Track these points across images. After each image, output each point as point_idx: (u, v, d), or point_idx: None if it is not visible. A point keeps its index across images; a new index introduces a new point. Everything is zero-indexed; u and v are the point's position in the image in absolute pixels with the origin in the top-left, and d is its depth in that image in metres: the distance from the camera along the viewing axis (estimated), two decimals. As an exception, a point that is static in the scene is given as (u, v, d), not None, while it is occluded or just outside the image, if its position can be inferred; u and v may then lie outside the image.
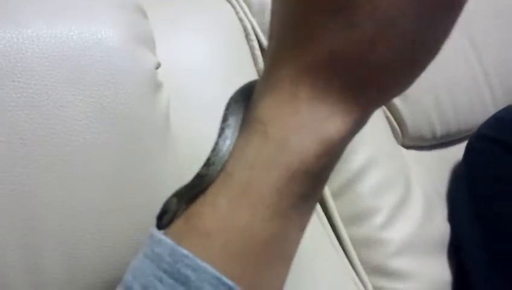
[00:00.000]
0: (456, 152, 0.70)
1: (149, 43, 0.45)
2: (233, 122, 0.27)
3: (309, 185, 0.25)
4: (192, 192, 0.27)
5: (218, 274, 0.23)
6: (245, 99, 0.28)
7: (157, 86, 0.44)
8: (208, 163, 0.27)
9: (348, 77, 0.23)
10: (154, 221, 0.43)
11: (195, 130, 0.49)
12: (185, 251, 0.24)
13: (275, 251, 0.26)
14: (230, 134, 0.27)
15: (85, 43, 0.40)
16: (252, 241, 0.24)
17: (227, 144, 0.27)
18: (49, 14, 0.40)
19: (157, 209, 0.43)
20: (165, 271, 0.24)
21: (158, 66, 0.45)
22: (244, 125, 0.27)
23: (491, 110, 0.74)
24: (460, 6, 0.23)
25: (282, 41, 0.25)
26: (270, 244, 0.25)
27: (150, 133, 0.43)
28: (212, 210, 0.25)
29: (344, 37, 0.22)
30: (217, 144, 0.27)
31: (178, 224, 0.26)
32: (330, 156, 0.25)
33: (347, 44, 0.22)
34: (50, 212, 0.39)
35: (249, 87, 0.29)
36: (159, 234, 0.26)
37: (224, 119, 0.28)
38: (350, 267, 0.58)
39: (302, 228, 0.27)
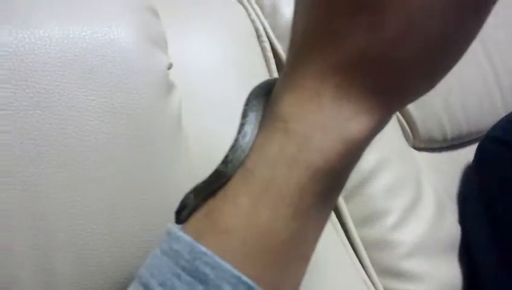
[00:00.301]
0: (467, 154, 0.69)
1: (161, 43, 0.45)
2: (253, 118, 0.27)
3: (329, 184, 0.25)
4: (210, 188, 0.27)
5: (237, 273, 0.23)
6: (265, 95, 0.28)
7: (169, 87, 0.44)
8: (226, 160, 0.26)
9: (373, 76, 0.23)
10: (165, 222, 0.43)
11: (206, 131, 0.49)
12: (204, 248, 0.24)
13: (294, 250, 0.25)
14: (250, 130, 0.26)
15: (97, 44, 0.40)
16: (272, 240, 0.24)
17: (246, 140, 0.26)
18: (61, 15, 0.40)
19: (168, 210, 0.43)
20: (183, 268, 0.24)
21: (170, 66, 0.45)
22: (265, 122, 0.26)
23: (502, 112, 0.74)
24: (488, 7, 0.22)
25: (307, 39, 0.24)
26: (289, 243, 0.25)
27: (161, 134, 0.43)
28: (233, 207, 0.25)
29: (370, 36, 0.22)
30: (236, 140, 0.26)
31: (197, 220, 0.26)
32: (351, 155, 0.25)
33: (373, 43, 0.22)
34: (61, 213, 0.38)
35: (269, 83, 0.28)
36: (178, 231, 0.26)
37: (244, 115, 0.27)
38: (361, 269, 0.57)
39: (320, 229, 0.27)
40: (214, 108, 0.51)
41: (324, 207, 0.26)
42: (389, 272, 0.57)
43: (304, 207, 0.24)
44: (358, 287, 0.55)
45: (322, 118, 0.24)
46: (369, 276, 0.57)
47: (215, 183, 0.27)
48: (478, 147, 0.67)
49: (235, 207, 0.25)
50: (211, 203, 0.26)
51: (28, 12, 0.39)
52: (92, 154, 0.39)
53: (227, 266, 0.23)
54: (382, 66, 0.23)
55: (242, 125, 0.27)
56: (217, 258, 0.23)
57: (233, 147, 0.26)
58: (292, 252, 0.25)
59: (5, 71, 0.37)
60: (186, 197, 0.28)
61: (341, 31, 0.23)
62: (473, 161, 0.67)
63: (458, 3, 0.21)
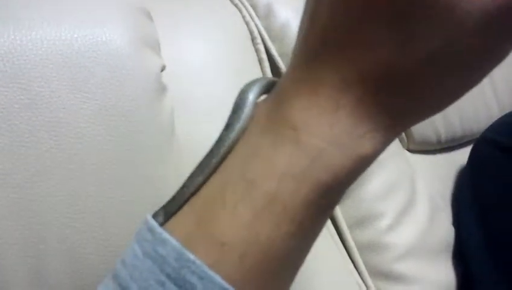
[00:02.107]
0: (461, 156, 0.70)
1: (154, 45, 0.45)
2: (246, 115, 0.25)
3: (333, 199, 0.24)
4: (175, 205, 0.26)
5: (227, 285, 0.21)
6: (262, 93, 0.26)
7: (162, 89, 0.44)
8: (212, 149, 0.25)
9: (397, 93, 0.22)
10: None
11: (198, 134, 0.49)
12: (193, 257, 0.22)
13: (292, 265, 0.24)
14: (238, 128, 0.25)
15: (89, 45, 0.40)
16: (271, 255, 0.23)
17: (232, 135, 0.25)
18: (53, 16, 0.40)
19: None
20: (168, 276, 0.22)
21: (163, 68, 0.45)
22: (270, 126, 0.24)
23: (496, 115, 0.74)
24: None
25: (331, 43, 0.22)
26: (288, 258, 0.24)
27: (153, 136, 0.43)
28: (231, 218, 0.23)
29: (402, 50, 0.21)
30: (223, 134, 0.25)
31: (187, 226, 0.24)
32: (359, 172, 0.23)
33: (404, 58, 0.21)
34: (52, 215, 0.38)
35: (269, 82, 0.27)
36: (163, 232, 0.23)
37: (235, 109, 0.26)
38: (355, 271, 0.57)
39: (316, 239, 0.26)
40: (207, 111, 0.50)
41: (325, 220, 0.25)
42: (383, 275, 0.57)
43: (307, 222, 0.23)
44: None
45: (338, 132, 0.22)
46: (362, 278, 0.57)
47: (179, 198, 0.25)
48: (472, 149, 0.67)
49: (233, 218, 0.23)
50: (203, 209, 0.24)
51: (20, 14, 0.39)
52: (84, 156, 0.39)
53: (217, 278, 0.21)
54: (411, 83, 0.21)
55: (231, 121, 0.25)
56: (206, 269, 0.22)
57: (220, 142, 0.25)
58: (290, 266, 0.24)
59: (-4, 73, 0.36)
60: (156, 214, 0.27)
61: (372, 40, 0.21)
62: (467, 163, 0.68)
63: (499, 23, 0.20)
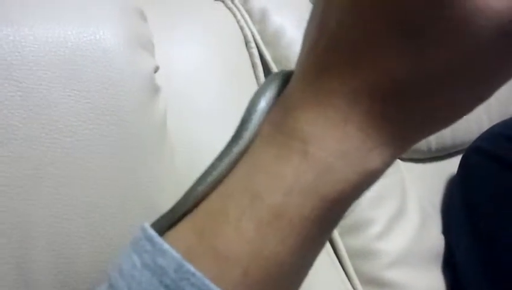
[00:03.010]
0: (452, 165, 0.70)
1: (148, 46, 0.45)
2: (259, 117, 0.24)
3: (340, 213, 0.23)
4: (174, 216, 0.25)
5: None
6: (280, 86, 0.25)
7: (155, 90, 0.44)
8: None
9: (409, 106, 0.21)
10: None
11: (190, 136, 0.49)
12: (193, 269, 0.21)
13: (296, 279, 0.24)
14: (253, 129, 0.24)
15: (83, 44, 0.40)
16: (275, 271, 0.22)
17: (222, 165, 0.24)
18: (47, 14, 0.40)
19: (151, 214, 0.42)
20: (167, 287, 0.21)
21: (156, 69, 0.45)
22: (277, 136, 0.23)
23: (486, 125, 0.74)
24: None
25: (342, 52, 0.21)
26: (292, 273, 0.23)
27: (146, 137, 0.43)
28: (235, 232, 0.22)
29: (415, 63, 0.20)
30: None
31: (188, 239, 0.23)
32: (366, 186, 0.23)
33: (417, 71, 0.20)
34: (41, 214, 0.37)
35: (287, 74, 0.26)
36: (163, 243, 0.22)
37: (251, 108, 0.24)
38: (345, 278, 0.57)
39: (320, 251, 0.25)
40: (199, 113, 0.50)
41: (329, 234, 0.24)
42: (373, 282, 0.57)
43: (312, 237, 0.22)
44: (342, 297, 0.55)
45: (346, 147, 0.21)
46: (352, 285, 0.57)
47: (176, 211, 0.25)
48: (462, 158, 0.68)
49: (237, 232, 0.22)
50: (205, 222, 0.23)
51: (13, 10, 0.38)
52: (75, 155, 0.38)
53: None
54: (420, 96, 0.21)
55: (237, 134, 0.24)
56: (206, 281, 0.21)
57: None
58: (293, 282, 0.24)
59: (-13, 69, 0.36)
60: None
61: (384, 52, 0.20)
62: (457, 172, 0.68)
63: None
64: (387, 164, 0.22)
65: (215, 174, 0.24)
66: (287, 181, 0.21)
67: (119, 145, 0.40)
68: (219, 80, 0.52)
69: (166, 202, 0.43)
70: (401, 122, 0.21)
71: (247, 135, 0.24)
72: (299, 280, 0.24)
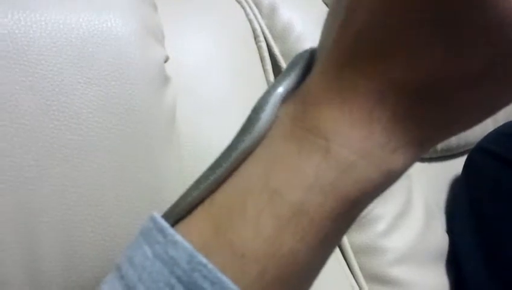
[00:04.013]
0: (457, 165, 0.70)
1: (158, 35, 0.45)
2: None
3: (359, 212, 0.23)
4: (184, 207, 0.25)
5: None
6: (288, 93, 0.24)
7: (165, 80, 0.44)
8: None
9: (437, 106, 0.21)
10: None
11: (198, 127, 0.49)
12: (205, 260, 0.21)
13: (311, 277, 0.23)
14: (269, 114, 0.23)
15: (94, 31, 0.39)
16: (293, 269, 0.21)
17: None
18: (58, 0, 0.39)
19: (158, 204, 0.42)
20: (178, 279, 0.21)
21: (166, 59, 0.45)
22: (296, 130, 0.22)
23: (491, 126, 0.74)
24: None
25: (367, 46, 0.21)
26: (309, 271, 0.22)
27: (155, 126, 0.42)
28: (252, 229, 0.21)
29: (448, 62, 0.19)
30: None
31: (203, 234, 0.22)
32: (387, 186, 0.22)
33: (449, 71, 0.19)
34: (49, 200, 0.37)
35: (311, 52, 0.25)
36: (175, 234, 0.22)
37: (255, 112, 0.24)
38: (350, 274, 0.57)
39: (334, 249, 0.24)
40: (207, 105, 0.50)
41: (345, 232, 0.24)
42: (377, 278, 0.57)
43: (331, 235, 0.22)
44: (346, 293, 0.55)
45: (370, 146, 0.21)
46: (357, 281, 0.57)
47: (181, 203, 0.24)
48: (467, 158, 0.68)
49: (255, 229, 0.21)
50: (221, 217, 0.22)
51: (25, -5, 0.38)
52: (84, 142, 0.38)
53: (229, 283, 0.20)
54: (450, 97, 0.20)
55: (248, 124, 0.24)
56: (219, 273, 0.20)
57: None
58: (308, 280, 0.23)
59: (-1, 53, 0.36)
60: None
61: (415, 49, 0.20)
62: (462, 172, 0.68)
63: None
64: (409, 165, 0.22)
65: (230, 161, 0.24)
66: (308, 178, 0.21)
67: (128, 133, 0.40)
68: (227, 72, 0.52)
69: (172, 192, 0.43)
70: (428, 123, 0.21)
71: (260, 124, 0.24)
72: (312, 278, 0.24)
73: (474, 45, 0.19)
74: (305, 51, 0.26)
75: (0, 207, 0.36)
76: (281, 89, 0.24)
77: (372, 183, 0.21)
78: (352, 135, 0.21)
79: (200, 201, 0.24)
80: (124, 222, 0.40)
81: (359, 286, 0.56)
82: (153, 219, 0.23)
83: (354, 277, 0.57)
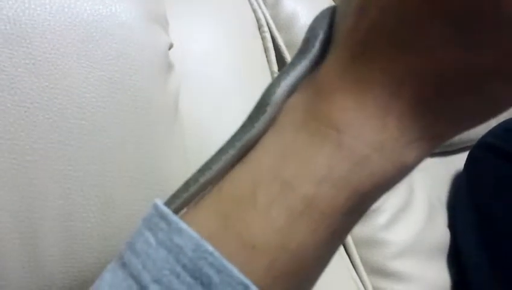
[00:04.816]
0: (459, 160, 0.70)
1: (163, 22, 0.44)
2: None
3: (369, 205, 0.22)
4: (187, 194, 0.24)
5: (246, 280, 0.20)
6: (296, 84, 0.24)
7: (168, 67, 0.43)
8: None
9: (454, 100, 0.20)
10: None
11: (200, 114, 0.48)
12: (211, 248, 0.20)
13: (319, 271, 0.23)
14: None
15: (98, 16, 0.39)
16: (302, 262, 0.21)
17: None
18: (63, -16, 0.39)
19: (160, 190, 0.42)
20: (184, 267, 0.20)
21: (170, 46, 0.44)
22: (308, 121, 0.22)
23: (492, 122, 0.74)
24: None
25: (384, 36, 0.20)
26: (318, 265, 0.22)
27: (158, 114, 0.42)
28: (263, 220, 0.21)
29: (469, 54, 0.19)
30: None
31: (212, 224, 0.22)
32: (398, 180, 0.22)
33: (469, 64, 0.19)
34: (51, 184, 0.37)
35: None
36: (179, 221, 0.21)
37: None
38: (351, 267, 0.57)
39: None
40: (210, 93, 0.50)
41: (355, 225, 0.23)
42: (378, 271, 0.57)
43: (341, 229, 0.22)
44: (348, 285, 0.55)
45: (384, 139, 0.20)
46: (358, 274, 0.56)
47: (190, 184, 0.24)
48: (469, 153, 0.68)
49: (266, 220, 0.21)
50: (230, 207, 0.22)
51: (29, -22, 0.38)
52: (86, 127, 0.38)
53: (235, 271, 0.20)
54: (468, 90, 0.20)
55: (256, 112, 0.23)
56: (225, 261, 0.20)
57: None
58: (316, 273, 0.23)
59: (2, 35, 0.35)
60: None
61: (435, 41, 0.19)
62: (464, 167, 0.68)
63: None
64: (422, 158, 0.21)
65: (237, 148, 0.24)
66: (320, 171, 0.20)
67: (131, 120, 0.40)
68: (231, 61, 0.52)
69: (175, 179, 0.43)
70: (442, 117, 0.21)
71: (269, 111, 0.23)
72: (321, 271, 0.23)
73: (491, 37, 0.18)
74: (321, 28, 0.24)
75: (0, 190, 0.35)
76: (291, 76, 0.24)
77: (385, 176, 0.21)
78: (366, 128, 0.20)
79: (204, 188, 0.24)
80: (126, 208, 0.40)
81: (360, 279, 0.56)
82: (155, 206, 0.23)
83: (355, 269, 0.57)
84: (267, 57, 0.56)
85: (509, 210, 0.59)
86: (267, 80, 0.56)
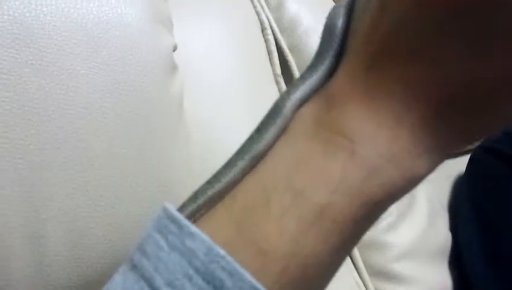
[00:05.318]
0: (460, 164, 0.70)
1: (167, 24, 0.44)
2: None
3: (380, 215, 0.23)
4: (199, 202, 0.25)
5: (257, 285, 0.20)
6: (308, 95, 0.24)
7: (173, 68, 0.44)
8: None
9: (467, 113, 0.20)
10: (161, 203, 0.42)
11: (204, 116, 0.49)
12: (223, 252, 0.20)
13: (329, 279, 0.23)
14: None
15: (104, 17, 0.39)
16: (313, 270, 0.21)
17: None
18: (69, -16, 0.39)
19: (164, 191, 0.42)
20: (196, 270, 0.20)
21: (175, 48, 0.45)
22: (319, 132, 0.22)
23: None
24: None
25: (398, 48, 0.20)
26: (329, 272, 0.23)
27: (163, 115, 0.42)
28: (276, 227, 0.21)
29: (484, 70, 0.19)
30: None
31: (226, 232, 0.22)
32: (409, 189, 0.22)
33: (485, 78, 0.19)
34: (56, 187, 0.37)
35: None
36: (190, 225, 0.22)
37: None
38: (353, 268, 0.57)
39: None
40: (213, 95, 0.50)
41: (366, 233, 0.23)
42: (381, 274, 0.57)
43: (352, 237, 0.22)
44: (350, 288, 0.55)
45: (396, 150, 0.20)
46: (360, 276, 0.56)
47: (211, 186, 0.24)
48: (471, 156, 0.68)
49: (279, 227, 0.21)
50: (243, 215, 0.22)
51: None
52: (92, 127, 0.38)
53: (247, 275, 0.20)
54: (483, 104, 0.20)
55: (266, 122, 0.23)
56: (237, 266, 0.20)
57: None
58: (326, 281, 0.23)
59: (9, 35, 0.35)
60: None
61: (450, 54, 0.19)
62: (466, 170, 0.68)
63: None
64: (432, 169, 0.22)
65: (248, 158, 0.24)
66: (333, 180, 0.21)
67: (136, 121, 0.40)
68: (235, 64, 0.52)
69: (179, 180, 0.43)
70: (456, 129, 0.21)
71: (279, 122, 0.24)
72: (330, 278, 0.24)
73: (506, 53, 0.18)
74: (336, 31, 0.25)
75: (6, 191, 0.35)
76: (301, 90, 0.24)
77: (396, 186, 0.21)
78: (379, 138, 0.21)
79: (219, 196, 0.24)
80: (130, 208, 0.40)
81: (363, 281, 0.56)
82: (165, 209, 0.23)
83: (357, 271, 0.57)
84: (270, 59, 0.57)
85: (510, 213, 0.59)
86: (270, 82, 0.56)
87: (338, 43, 0.24)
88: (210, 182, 0.25)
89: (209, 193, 0.24)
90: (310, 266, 0.21)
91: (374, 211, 0.21)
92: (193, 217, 0.25)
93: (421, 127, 0.20)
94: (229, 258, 0.20)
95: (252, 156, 0.24)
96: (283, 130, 0.24)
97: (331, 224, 0.21)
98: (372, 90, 0.21)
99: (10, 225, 0.36)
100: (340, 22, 0.24)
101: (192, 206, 0.25)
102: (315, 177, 0.21)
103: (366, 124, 0.21)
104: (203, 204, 0.25)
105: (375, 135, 0.21)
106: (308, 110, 0.24)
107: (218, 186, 0.24)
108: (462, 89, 0.20)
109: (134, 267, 0.22)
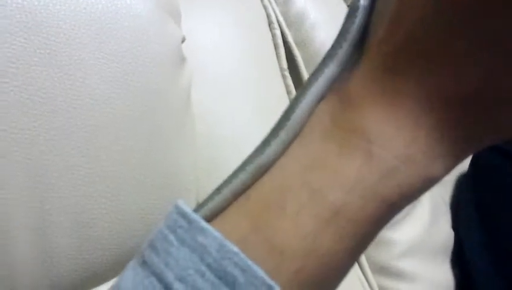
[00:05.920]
0: (463, 162, 0.70)
1: (176, 15, 0.44)
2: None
3: (394, 215, 0.22)
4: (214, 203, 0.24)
5: (270, 281, 0.20)
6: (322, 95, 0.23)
7: (181, 60, 0.43)
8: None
9: (486, 117, 0.20)
10: (166, 196, 0.42)
11: (213, 110, 0.48)
12: (236, 248, 0.20)
13: (343, 277, 0.23)
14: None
15: (113, 8, 0.39)
16: (329, 269, 0.21)
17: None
18: (78, -26, 0.39)
19: (170, 185, 0.42)
20: (208, 266, 0.20)
21: (183, 40, 0.44)
22: (335, 132, 0.22)
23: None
24: None
25: (417, 50, 0.20)
26: (343, 271, 0.22)
27: (170, 108, 0.42)
28: (292, 226, 0.21)
29: (506, 74, 0.19)
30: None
31: (241, 230, 0.22)
32: (426, 190, 0.22)
33: (506, 82, 0.19)
34: (62, 177, 0.37)
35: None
36: (200, 220, 0.22)
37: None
38: (357, 265, 0.57)
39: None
40: (218, 87, 0.50)
41: (379, 233, 0.23)
42: (384, 270, 0.57)
43: (367, 237, 0.22)
44: (353, 284, 0.55)
45: (413, 152, 0.20)
46: (364, 273, 0.57)
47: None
48: (473, 155, 0.68)
49: (295, 227, 0.21)
50: (259, 214, 0.22)
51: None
52: (99, 118, 0.38)
53: (260, 271, 0.20)
54: (503, 108, 0.20)
55: (282, 122, 0.23)
56: (249, 262, 0.20)
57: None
58: (339, 280, 0.23)
59: (17, 24, 0.35)
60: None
61: (471, 57, 0.19)
62: (469, 167, 0.68)
63: None
64: (448, 172, 0.21)
65: (266, 158, 0.23)
66: (349, 180, 0.21)
67: (143, 112, 0.40)
68: (241, 56, 0.52)
69: (185, 172, 0.43)
70: (473, 132, 0.21)
71: (294, 119, 0.23)
72: (343, 277, 0.23)
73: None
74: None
75: (11, 182, 0.35)
76: (320, 83, 0.24)
77: (412, 188, 0.21)
78: (396, 139, 0.20)
79: (233, 196, 0.24)
80: (136, 200, 0.40)
81: (366, 278, 0.56)
82: (176, 206, 0.23)
83: (360, 268, 0.57)
84: (276, 53, 0.56)
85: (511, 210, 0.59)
86: (276, 76, 0.56)
87: (358, 30, 0.23)
88: (219, 189, 0.24)
89: (217, 199, 0.24)
90: (326, 265, 0.21)
91: (388, 212, 0.21)
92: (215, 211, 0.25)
93: (438, 130, 0.20)
94: (242, 255, 0.20)
95: (260, 164, 0.24)
96: (295, 135, 0.23)
97: (346, 223, 0.21)
98: (390, 92, 0.21)
99: (15, 215, 0.35)
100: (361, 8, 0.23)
101: (208, 206, 0.25)
102: (331, 176, 0.21)
103: (385, 125, 0.21)
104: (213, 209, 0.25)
105: (393, 136, 0.20)
106: (323, 108, 0.23)
107: (223, 196, 0.24)
108: (481, 91, 0.19)
109: (144, 263, 0.22)
